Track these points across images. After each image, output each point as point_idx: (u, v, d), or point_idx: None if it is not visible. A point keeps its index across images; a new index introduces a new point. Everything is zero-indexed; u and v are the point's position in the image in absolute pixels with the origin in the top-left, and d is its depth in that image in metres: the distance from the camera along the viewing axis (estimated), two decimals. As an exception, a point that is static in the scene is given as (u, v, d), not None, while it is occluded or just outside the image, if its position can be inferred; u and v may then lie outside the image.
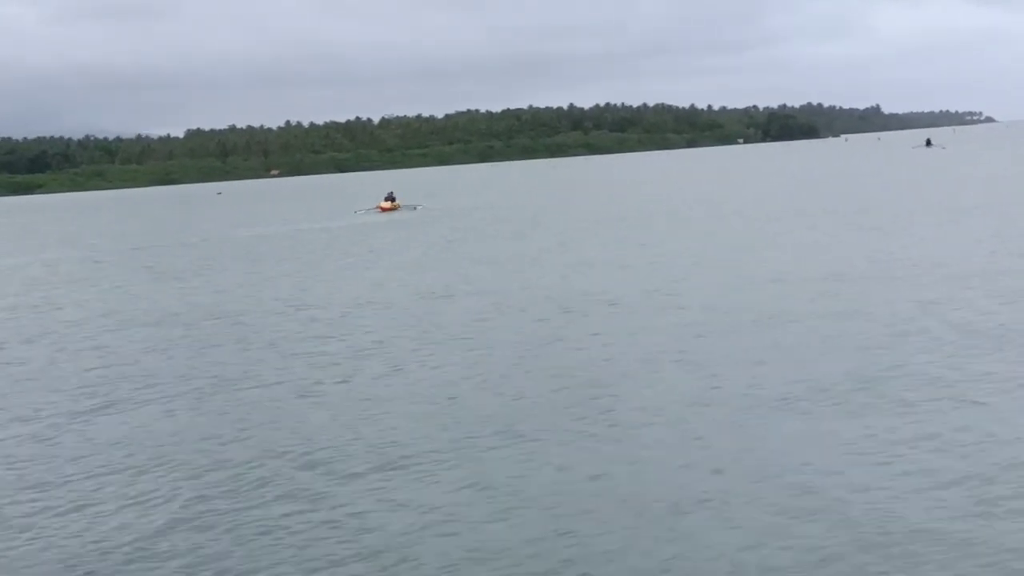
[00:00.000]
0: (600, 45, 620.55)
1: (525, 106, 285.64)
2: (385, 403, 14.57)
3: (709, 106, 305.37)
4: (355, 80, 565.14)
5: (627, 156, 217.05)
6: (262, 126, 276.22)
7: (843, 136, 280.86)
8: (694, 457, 11.35)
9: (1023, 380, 13.48)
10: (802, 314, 18.92)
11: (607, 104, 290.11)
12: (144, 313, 25.52)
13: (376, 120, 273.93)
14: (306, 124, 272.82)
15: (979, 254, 25.09)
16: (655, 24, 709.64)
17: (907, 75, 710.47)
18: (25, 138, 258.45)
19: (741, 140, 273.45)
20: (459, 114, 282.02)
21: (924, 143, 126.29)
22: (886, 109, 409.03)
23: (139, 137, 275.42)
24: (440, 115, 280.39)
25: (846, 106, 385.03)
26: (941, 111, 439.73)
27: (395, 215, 59.88)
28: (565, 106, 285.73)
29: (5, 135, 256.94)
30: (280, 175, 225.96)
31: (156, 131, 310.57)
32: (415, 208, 63.17)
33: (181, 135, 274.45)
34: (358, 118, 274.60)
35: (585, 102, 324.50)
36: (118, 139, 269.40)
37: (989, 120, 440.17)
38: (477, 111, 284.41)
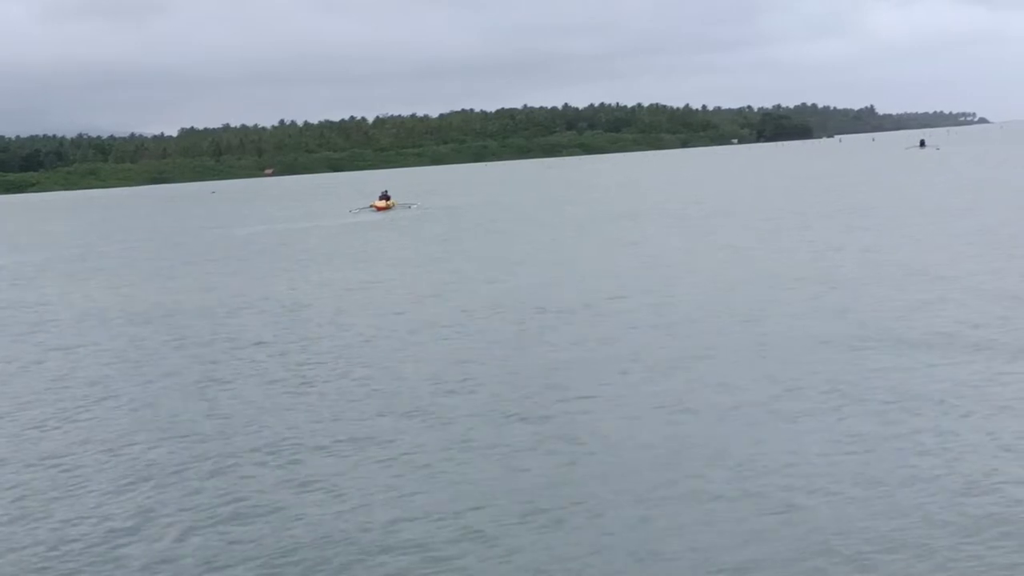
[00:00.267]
0: (594, 45, 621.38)
1: (519, 106, 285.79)
2: (370, 400, 14.59)
3: (703, 106, 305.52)
4: (349, 79, 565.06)
5: (621, 156, 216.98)
6: (256, 125, 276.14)
7: (837, 137, 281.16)
8: (658, 453, 11.39)
9: (1001, 386, 13.51)
10: (779, 315, 18.98)
11: (601, 104, 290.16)
12: (132, 311, 25.49)
13: (370, 119, 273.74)
14: (300, 123, 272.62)
15: (965, 257, 25.17)
16: (649, 24, 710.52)
17: (901, 76, 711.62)
18: (18, 136, 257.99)
19: (735, 140, 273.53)
20: (453, 114, 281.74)
21: (918, 144, 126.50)
22: (880, 110, 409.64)
23: (133, 136, 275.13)
24: (435, 114, 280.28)
25: (840, 106, 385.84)
26: (935, 112, 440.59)
27: (390, 214, 59.94)
28: (559, 106, 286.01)
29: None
30: (274, 174, 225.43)
31: (150, 130, 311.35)
32: (410, 207, 63.29)
33: (175, 134, 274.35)
34: (352, 117, 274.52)
35: (579, 102, 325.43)
36: (112, 138, 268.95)
37: (983, 121, 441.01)
38: (471, 111, 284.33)
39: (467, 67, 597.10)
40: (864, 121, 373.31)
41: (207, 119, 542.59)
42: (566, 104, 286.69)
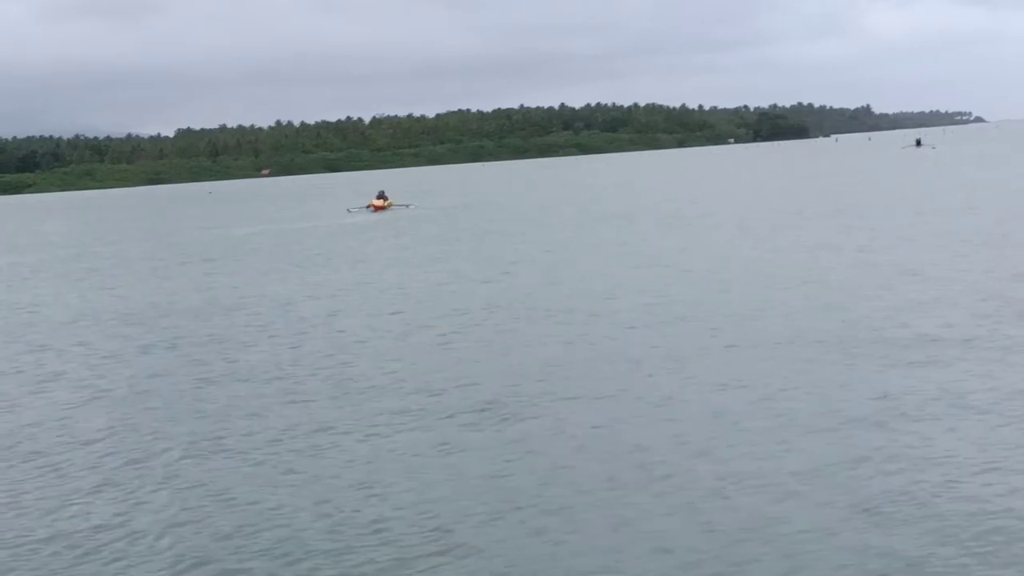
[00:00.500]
0: (591, 45, 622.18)
1: (516, 106, 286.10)
2: (365, 400, 14.61)
3: (700, 106, 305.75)
4: (346, 80, 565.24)
5: (617, 156, 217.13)
6: (253, 126, 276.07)
7: (833, 136, 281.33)
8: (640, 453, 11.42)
9: (988, 390, 13.53)
10: (773, 315, 19.02)
11: (598, 104, 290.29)
12: (127, 311, 25.48)
13: (367, 120, 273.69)
14: (297, 124, 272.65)
15: (959, 257, 25.22)
16: (646, 24, 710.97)
17: (897, 75, 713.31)
18: (14, 137, 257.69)
19: (732, 140, 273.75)
20: (450, 114, 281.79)
21: (914, 143, 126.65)
22: (876, 109, 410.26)
23: (129, 136, 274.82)
24: (431, 115, 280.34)
25: (836, 106, 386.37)
26: (931, 111, 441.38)
27: (387, 214, 59.96)
28: (556, 106, 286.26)
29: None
30: (271, 175, 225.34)
31: (146, 130, 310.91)
32: (407, 207, 63.34)
33: (171, 134, 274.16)
34: (349, 118, 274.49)
35: (576, 102, 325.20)
36: (108, 138, 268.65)
37: (979, 120, 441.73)
38: (468, 111, 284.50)
39: (466, 67, 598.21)
40: (860, 120, 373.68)
41: (204, 119, 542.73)
42: (563, 104, 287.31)
